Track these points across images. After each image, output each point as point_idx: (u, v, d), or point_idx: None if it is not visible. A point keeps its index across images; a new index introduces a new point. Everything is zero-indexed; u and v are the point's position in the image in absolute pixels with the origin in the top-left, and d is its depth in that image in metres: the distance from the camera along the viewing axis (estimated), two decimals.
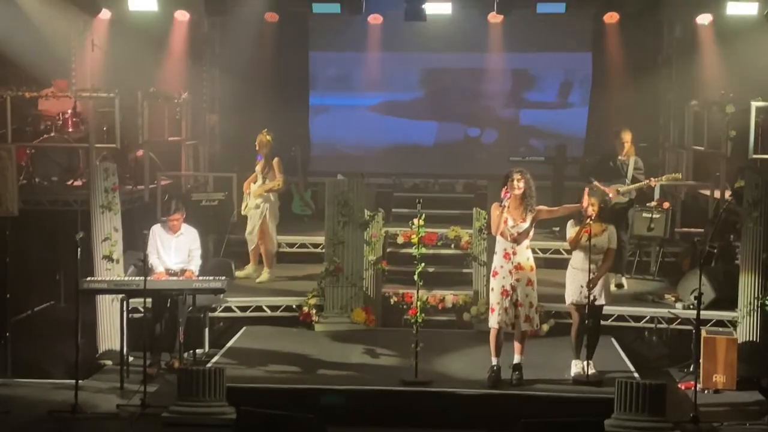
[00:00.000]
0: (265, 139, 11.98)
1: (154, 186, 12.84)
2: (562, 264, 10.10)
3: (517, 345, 9.14)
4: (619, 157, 11.33)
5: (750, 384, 9.63)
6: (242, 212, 12.13)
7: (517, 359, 9.12)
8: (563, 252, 11.32)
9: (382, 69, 16.08)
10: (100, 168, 10.67)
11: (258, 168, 11.96)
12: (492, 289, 9.12)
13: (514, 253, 8.99)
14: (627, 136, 11.31)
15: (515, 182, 8.95)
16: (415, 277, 9.35)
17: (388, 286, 11.49)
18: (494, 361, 9.12)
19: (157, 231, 10.17)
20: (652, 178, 11.41)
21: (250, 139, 14.62)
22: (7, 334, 10.24)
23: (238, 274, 11.97)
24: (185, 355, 9.91)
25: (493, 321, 9.07)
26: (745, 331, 10.07)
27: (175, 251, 10.27)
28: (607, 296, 9.41)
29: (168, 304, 9.98)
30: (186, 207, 11.78)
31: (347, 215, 11.12)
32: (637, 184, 11.26)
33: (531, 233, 9.09)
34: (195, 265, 10.30)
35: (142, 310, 10.04)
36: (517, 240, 8.99)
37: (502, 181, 9.06)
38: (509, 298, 8.99)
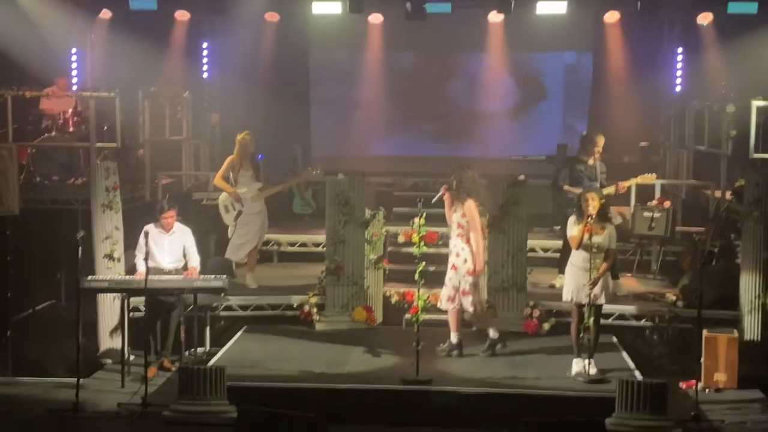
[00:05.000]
0: (249, 138, 11.51)
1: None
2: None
3: (484, 325, 10.03)
4: (589, 162, 11.29)
5: (751, 383, 9.62)
6: (232, 221, 11.43)
7: (492, 334, 9.91)
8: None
9: (382, 68, 16.07)
10: (101, 167, 10.67)
11: (249, 172, 11.45)
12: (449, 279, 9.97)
13: (455, 245, 9.84)
14: (601, 141, 11.26)
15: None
16: (416, 276, 9.36)
17: (389, 285, 11.47)
18: (452, 337, 9.95)
19: (150, 231, 10.13)
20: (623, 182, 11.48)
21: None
22: (9, 332, 10.25)
23: (249, 282, 11.61)
24: (186, 353, 9.92)
25: (444, 306, 10.01)
26: (746, 329, 10.07)
27: (169, 250, 10.25)
28: (607, 295, 9.41)
29: (166, 303, 10.00)
30: (186, 206, 11.79)
31: (348, 214, 11.11)
32: (612, 188, 11.24)
33: (477, 223, 9.76)
34: (195, 261, 10.28)
35: (143, 309, 10.07)
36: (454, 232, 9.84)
37: None
38: (456, 287, 9.82)
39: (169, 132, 13.96)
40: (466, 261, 9.75)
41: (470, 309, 9.81)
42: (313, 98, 16.39)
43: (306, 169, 12.09)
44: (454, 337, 9.94)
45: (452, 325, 9.93)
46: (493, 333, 9.94)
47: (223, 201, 11.55)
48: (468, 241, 9.75)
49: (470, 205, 9.71)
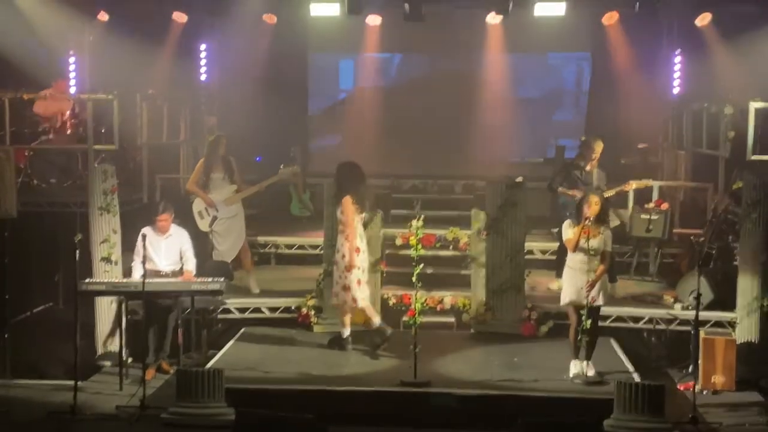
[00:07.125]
0: (220, 140, 11.40)
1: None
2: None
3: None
4: (586, 168, 11.29)
5: (749, 384, 9.63)
6: (208, 228, 10.99)
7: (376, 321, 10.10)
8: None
9: (380, 69, 16.07)
10: (99, 170, 10.66)
11: (219, 174, 11.25)
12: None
13: (338, 242, 10.09)
14: (599, 148, 11.25)
15: None
16: (414, 279, 9.35)
17: (386, 288, 11.46)
18: (342, 331, 10.25)
19: (147, 233, 10.10)
20: (630, 182, 11.52)
21: (249, 141, 14.68)
22: (7, 335, 10.25)
23: (251, 287, 11.51)
24: (183, 356, 9.91)
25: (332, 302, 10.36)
26: (744, 331, 10.07)
27: (165, 253, 10.23)
28: (605, 297, 9.41)
29: (164, 306, 10.00)
30: (184, 209, 11.77)
31: None
32: (613, 190, 11.25)
33: (350, 220, 9.88)
34: (192, 264, 10.26)
35: (140, 312, 10.06)
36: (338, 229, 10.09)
37: None
38: (337, 283, 10.07)
39: (166, 134, 13.96)
40: (344, 257, 9.89)
41: (352, 304, 10.00)
42: (311, 100, 16.39)
43: (281, 169, 11.90)
44: (343, 332, 10.16)
45: (340, 319, 10.21)
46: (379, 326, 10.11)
47: (196, 207, 11.31)
48: (347, 237, 9.86)
49: (346, 201, 9.87)
